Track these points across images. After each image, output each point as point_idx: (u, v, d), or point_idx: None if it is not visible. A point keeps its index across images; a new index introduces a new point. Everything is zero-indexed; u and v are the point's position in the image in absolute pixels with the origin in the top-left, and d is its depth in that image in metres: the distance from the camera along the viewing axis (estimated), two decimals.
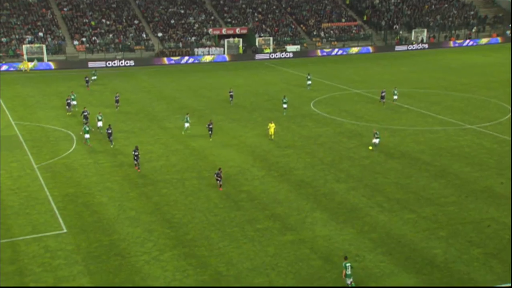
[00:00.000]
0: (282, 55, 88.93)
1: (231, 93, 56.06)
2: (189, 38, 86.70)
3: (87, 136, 41.84)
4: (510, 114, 51.36)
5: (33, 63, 72.38)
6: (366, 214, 30.96)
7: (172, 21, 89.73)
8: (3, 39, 75.87)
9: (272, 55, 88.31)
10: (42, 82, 65.38)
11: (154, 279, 24.34)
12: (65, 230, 28.61)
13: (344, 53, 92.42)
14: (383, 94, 55.27)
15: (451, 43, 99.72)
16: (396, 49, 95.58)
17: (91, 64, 76.45)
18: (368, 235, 28.56)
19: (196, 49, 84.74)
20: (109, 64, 77.76)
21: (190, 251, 26.79)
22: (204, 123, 49.00)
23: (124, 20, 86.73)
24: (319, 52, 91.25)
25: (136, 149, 37.22)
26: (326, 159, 40.07)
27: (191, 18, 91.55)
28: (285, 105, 52.52)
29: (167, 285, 23.90)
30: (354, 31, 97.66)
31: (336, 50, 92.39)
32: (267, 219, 30.45)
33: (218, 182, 34.28)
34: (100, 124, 44.56)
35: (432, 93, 61.48)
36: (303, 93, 62.03)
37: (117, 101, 53.49)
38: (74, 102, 52.14)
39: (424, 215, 30.61)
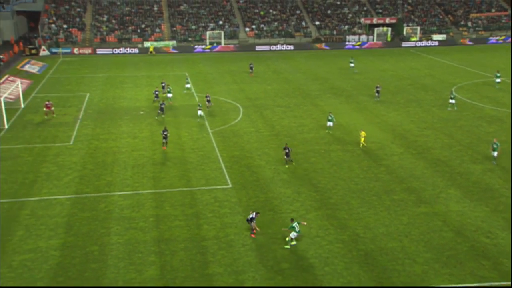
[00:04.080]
0: (428, 43, 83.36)
1: (378, 89, 48.90)
2: (343, 27, 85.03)
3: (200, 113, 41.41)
4: None
5: (151, 48, 75.02)
6: (501, 195, 28.27)
7: (329, 11, 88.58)
8: (193, 27, 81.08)
9: (418, 43, 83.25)
10: (219, 62, 68.83)
11: (300, 233, 24.74)
12: (230, 185, 30.17)
13: (491, 42, 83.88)
14: None
15: None
16: None
17: (258, 48, 78.64)
18: (502, 214, 26.11)
19: (348, 37, 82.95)
20: (272, 48, 79.28)
21: (332, 213, 26.75)
22: (351, 103, 48.13)
23: (287, 10, 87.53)
24: (466, 41, 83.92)
25: (165, 130, 35.43)
26: (464, 141, 37.14)
27: (345, 9, 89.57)
28: (452, 100, 45.13)
29: (311, 240, 24.18)
30: (504, 20, 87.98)
31: (482, 39, 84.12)
32: (403, 191, 29.22)
33: (286, 158, 32.35)
34: None
35: None
36: (446, 78, 57.77)
37: (163, 87, 49.73)
38: (170, 95, 47.34)
39: None
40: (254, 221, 24.63)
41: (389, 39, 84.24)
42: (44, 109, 42.54)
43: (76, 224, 25.41)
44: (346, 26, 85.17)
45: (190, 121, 42.17)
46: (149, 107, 46.15)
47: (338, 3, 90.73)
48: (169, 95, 47.62)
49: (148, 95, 49.85)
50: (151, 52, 74.30)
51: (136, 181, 30.58)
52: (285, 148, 32.57)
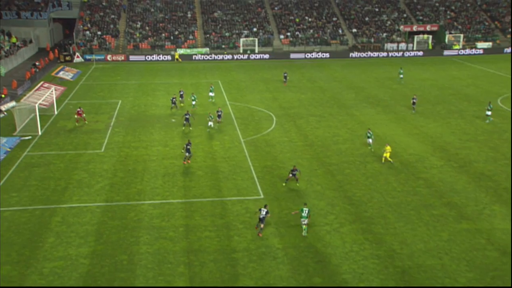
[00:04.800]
0: (472, 51, 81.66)
1: (414, 100, 47.79)
2: (381, 34, 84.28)
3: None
4: None
5: (176, 55, 75.87)
6: None
7: (366, 19, 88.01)
8: (226, 34, 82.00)
9: (461, 51, 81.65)
10: (252, 70, 69.27)
11: (333, 247, 24.54)
12: (262, 196, 30.21)
13: None
14: None
15: None
16: None
17: (292, 56, 78.80)
18: None
19: (386, 44, 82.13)
20: (307, 56, 79.26)
21: (368, 227, 26.41)
22: (388, 113, 47.55)
23: (323, 17, 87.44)
24: None
25: (189, 143, 34.75)
26: (510, 154, 36.08)
27: (384, 15, 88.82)
28: (488, 112, 44.24)
29: (345, 255, 23.92)
30: None
31: None
32: (443, 206, 28.59)
33: (291, 176, 31.28)
34: None
35: None
36: (491, 88, 56.40)
37: (181, 96, 49.69)
38: (194, 103, 47.95)
39: None
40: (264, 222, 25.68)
41: (430, 47, 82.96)
42: (76, 116, 43.72)
43: (106, 233, 25.91)
44: (385, 34, 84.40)
45: (222, 130, 42.50)
46: (181, 114, 46.76)
47: (377, 10, 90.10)
48: (194, 103, 48.15)
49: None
50: (177, 59, 75.33)
51: (167, 190, 31.00)
52: (293, 170, 31.27)
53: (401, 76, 61.11)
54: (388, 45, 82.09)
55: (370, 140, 37.63)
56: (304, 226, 25.55)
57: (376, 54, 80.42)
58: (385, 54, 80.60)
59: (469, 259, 23.36)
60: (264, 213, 25.62)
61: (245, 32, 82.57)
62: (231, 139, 40.25)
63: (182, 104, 49.52)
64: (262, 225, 25.71)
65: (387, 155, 34.93)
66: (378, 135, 40.72)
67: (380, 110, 48.45)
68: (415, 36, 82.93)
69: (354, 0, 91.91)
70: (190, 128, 41.96)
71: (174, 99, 48.09)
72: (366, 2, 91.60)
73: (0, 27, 74.83)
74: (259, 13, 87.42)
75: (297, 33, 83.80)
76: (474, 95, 53.61)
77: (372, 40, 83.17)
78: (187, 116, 42.03)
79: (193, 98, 48.46)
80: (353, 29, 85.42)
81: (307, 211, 25.51)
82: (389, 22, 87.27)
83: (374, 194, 30.39)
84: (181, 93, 50.51)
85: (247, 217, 27.48)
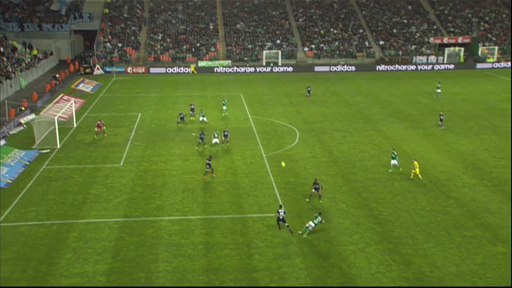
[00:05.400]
0: (507, 64, 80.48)
1: (442, 117, 47.17)
2: (409, 47, 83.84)
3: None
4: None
5: (192, 68, 76.56)
6: None
7: (394, 30, 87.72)
8: (249, 46, 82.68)
9: (495, 65, 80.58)
10: (275, 83, 69.50)
11: (359, 268, 24.24)
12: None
13: None
14: None
15: None
16: None
17: (316, 69, 78.90)
18: None
19: (415, 57, 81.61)
20: (332, 69, 79.24)
21: (395, 248, 26.03)
22: (417, 128, 47.08)
23: (349, 29, 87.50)
24: None
25: (210, 158, 35.29)
26: None
27: (413, 27, 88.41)
28: None
29: (371, 276, 23.59)
30: None
31: None
32: (476, 227, 28.02)
33: (314, 191, 31.51)
34: None
35: None
36: None
37: (191, 110, 49.76)
38: (204, 119, 47.70)
39: None
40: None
41: (461, 60, 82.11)
42: (96, 128, 44.41)
43: (124, 249, 26.09)
44: (413, 46, 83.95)
45: (244, 144, 42.62)
46: (202, 128, 47.07)
47: (405, 21, 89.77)
48: (204, 119, 47.73)
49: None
50: (192, 72, 76.06)
51: (186, 205, 31.13)
52: (315, 184, 31.41)
53: (439, 91, 60.33)
54: (417, 58, 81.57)
55: (395, 162, 36.19)
56: (307, 229, 26.98)
57: (404, 67, 79.93)
58: (413, 67, 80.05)
59: (506, 285, 22.76)
60: (282, 213, 27.43)
61: (268, 44, 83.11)
62: (253, 154, 40.30)
63: (192, 118, 49.64)
64: (286, 224, 27.40)
65: (417, 170, 34.41)
66: (406, 152, 40.28)
67: (408, 126, 48.01)
68: (446, 49, 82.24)
69: (382, 12, 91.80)
70: (205, 146, 41.64)
71: (182, 115, 48.00)
72: (394, 13, 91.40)
73: (22, 39, 76.88)
74: (282, 24, 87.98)
75: (321, 45, 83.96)
76: (509, 110, 52.70)
77: (400, 52, 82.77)
78: (203, 136, 41.46)
79: (202, 114, 47.99)
80: (380, 41, 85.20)
81: (319, 220, 26.98)
82: (418, 34, 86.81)
83: (401, 213, 29.99)
84: (192, 106, 50.38)
85: (269, 235, 27.36)
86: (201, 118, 47.97)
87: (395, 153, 36.58)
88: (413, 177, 34.65)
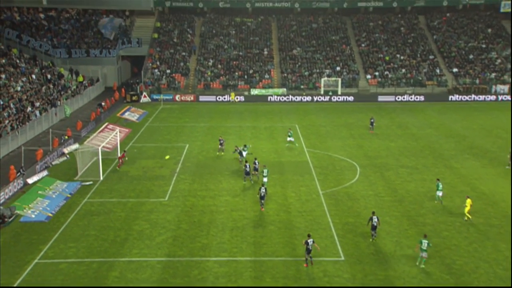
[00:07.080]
0: None
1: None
2: (488, 74, 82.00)
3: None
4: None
5: (232, 96, 77.54)
6: None
7: (471, 56, 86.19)
8: (306, 73, 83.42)
9: None
10: (334, 113, 69.46)
11: None
12: (342, 258, 29.67)
13: None
14: None
15: None
16: None
17: (380, 98, 78.35)
18: None
19: (494, 86, 79.65)
20: (398, 98, 78.46)
21: None
22: (497, 166, 45.65)
23: (418, 55, 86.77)
24: None
25: (262, 186, 37.44)
26: None
27: (493, 53, 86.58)
28: None
29: None
30: None
31: None
32: None
33: (372, 232, 31.89)
34: None
35: None
36: None
37: (220, 144, 50.04)
38: (244, 153, 46.90)
39: None
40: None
41: None
42: (119, 160, 46.52)
43: None
44: (493, 74, 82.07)
45: (298, 179, 42.63)
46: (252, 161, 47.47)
47: (484, 46, 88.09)
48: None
49: (253, 148, 51.27)
50: (233, 100, 77.13)
51: (234, 246, 31.28)
52: (371, 218, 31.63)
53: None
54: (498, 87, 79.58)
55: (440, 194, 37.24)
56: (423, 259, 28.27)
57: (481, 97, 78.12)
58: (493, 97, 78.10)
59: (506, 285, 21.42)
60: (311, 242, 28.41)
61: (327, 71, 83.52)
62: (309, 191, 40.19)
63: (222, 153, 49.97)
64: (310, 256, 28.51)
65: (467, 209, 34.16)
66: (483, 193, 39.06)
67: (486, 163, 46.63)
68: None
69: (456, 36, 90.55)
70: (252, 182, 41.97)
71: (238, 150, 47.33)
72: (470, 37, 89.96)
73: (69, 65, 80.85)
74: (343, 50, 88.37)
75: (386, 72, 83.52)
76: None
77: (477, 81, 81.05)
78: (248, 170, 41.96)
79: (245, 149, 47.41)
80: (454, 68, 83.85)
81: (426, 244, 28.16)
82: (499, 60, 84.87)
83: (479, 263, 28.94)
84: (221, 141, 50.67)
85: (325, 282, 27.01)
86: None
87: (441, 185, 37.43)
88: (467, 219, 34.22)
